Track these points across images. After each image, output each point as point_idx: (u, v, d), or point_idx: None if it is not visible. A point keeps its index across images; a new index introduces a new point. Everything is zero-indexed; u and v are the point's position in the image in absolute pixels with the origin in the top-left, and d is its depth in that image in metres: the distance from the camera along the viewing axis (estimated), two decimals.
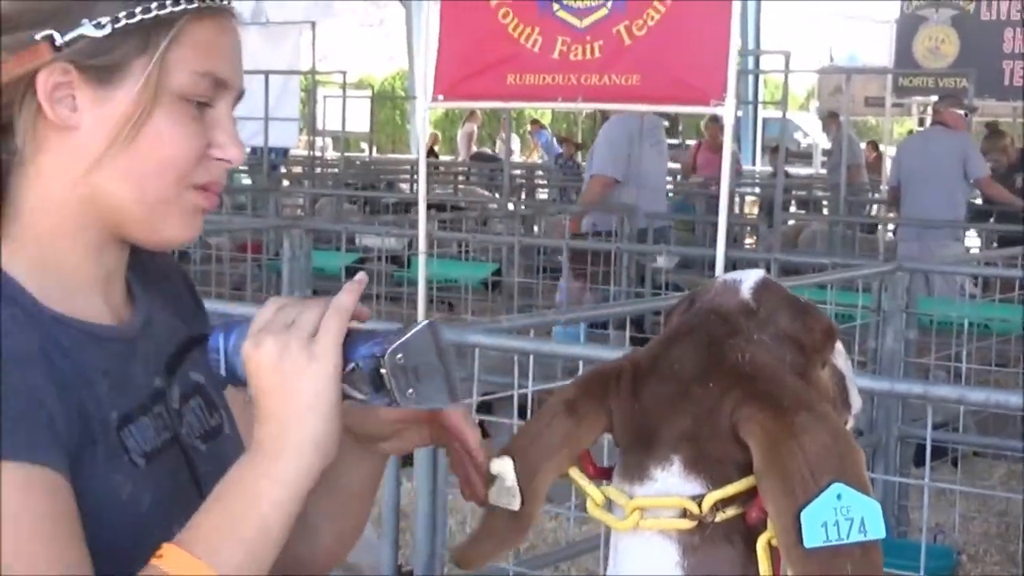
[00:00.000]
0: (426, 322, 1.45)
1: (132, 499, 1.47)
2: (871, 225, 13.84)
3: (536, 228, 13.13)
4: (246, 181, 16.75)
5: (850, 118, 16.43)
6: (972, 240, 13.76)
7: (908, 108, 19.63)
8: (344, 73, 17.49)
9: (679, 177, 18.51)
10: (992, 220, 12.63)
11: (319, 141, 21.34)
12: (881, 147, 20.24)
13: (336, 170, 17.81)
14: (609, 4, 6.62)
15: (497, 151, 25.34)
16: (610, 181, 9.88)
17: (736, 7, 6.54)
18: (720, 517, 1.42)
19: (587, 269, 8.97)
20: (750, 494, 1.41)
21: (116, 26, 1.47)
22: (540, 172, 21.89)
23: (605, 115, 10.61)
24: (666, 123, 23.48)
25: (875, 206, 15.53)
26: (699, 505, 1.41)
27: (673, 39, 6.63)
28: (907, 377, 5.85)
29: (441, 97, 5.87)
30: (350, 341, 1.44)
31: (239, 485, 1.40)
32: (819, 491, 1.33)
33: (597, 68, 6.80)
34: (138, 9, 1.47)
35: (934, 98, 13.07)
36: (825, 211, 15.40)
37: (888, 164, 16.98)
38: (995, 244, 12.26)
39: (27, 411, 1.37)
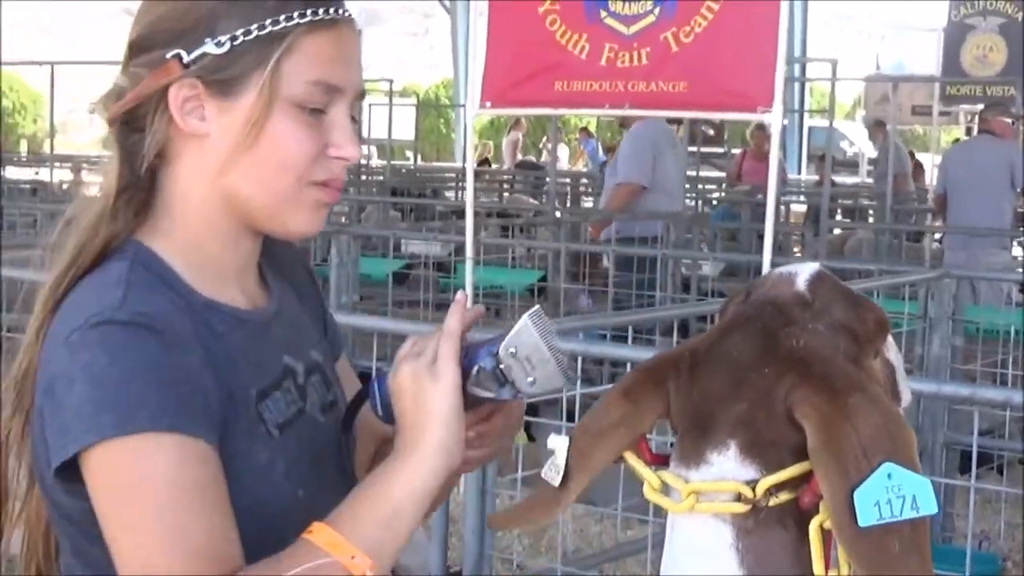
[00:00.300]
0: (528, 314, 1.60)
1: (269, 465, 1.65)
2: (917, 234, 13.80)
3: (581, 235, 13.17)
4: None
5: (897, 127, 16.40)
6: (1019, 249, 13.70)
7: (955, 117, 19.56)
8: (391, 81, 17.57)
9: (724, 185, 18.53)
10: None
11: (365, 149, 21.45)
12: (919, 156, 20.17)
13: (381, 178, 17.91)
14: (656, 11, 6.65)
15: (543, 160, 25.38)
16: (637, 188, 9.92)
17: (784, 14, 6.56)
18: (773, 502, 1.45)
19: (609, 282, 8.98)
20: (803, 479, 1.44)
21: (234, 43, 1.63)
22: (585, 180, 21.94)
23: (623, 123, 10.64)
24: (711, 131, 23.54)
25: (921, 215, 15.47)
26: (753, 490, 1.45)
27: (720, 46, 6.65)
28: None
29: (489, 104, 5.91)
30: (473, 349, 1.63)
31: (379, 479, 1.60)
32: (871, 471, 1.36)
33: (644, 75, 6.82)
34: (253, 27, 1.63)
35: (981, 107, 13.00)
36: (871, 220, 15.36)
37: (930, 173, 16.94)
38: None
39: (188, 390, 1.54)
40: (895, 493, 1.37)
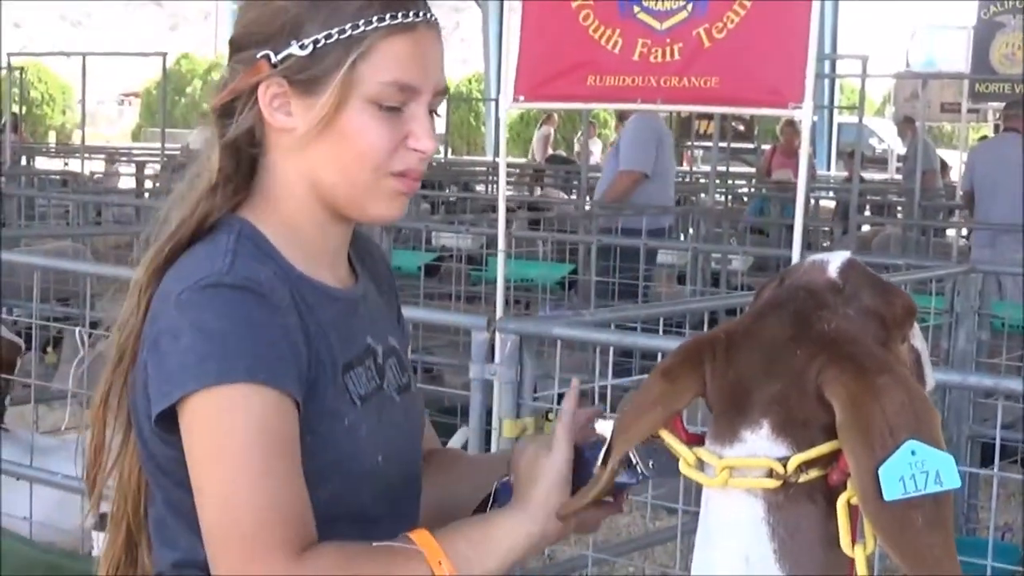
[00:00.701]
0: None
1: (353, 427, 1.79)
2: (944, 230, 13.82)
3: (613, 229, 13.17)
4: None
5: (926, 124, 16.39)
6: None
7: (984, 114, 19.55)
8: None
9: (753, 181, 18.55)
10: None
11: None
12: (948, 153, 20.14)
13: None
14: (689, 7, 6.71)
15: (576, 153, 25.38)
16: (640, 176, 10.01)
17: (815, 11, 6.61)
18: (804, 478, 1.52)
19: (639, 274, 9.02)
20: (833, 456, 1.52)
21: (316, 46, 1.78)
22: None
23: (622, 116, 10.73)
24: (742, 127, 23.54)
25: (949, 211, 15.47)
26: (784, 466, 1.52)
27: (752, 42, 6.69)
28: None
29: (522, 98, 5.95)
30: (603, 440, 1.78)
31: (484, 517, 1.81)
32: (896, 447, 1.44)
33: (677, 70, 6.87)
34: (334, 31, 1.78)
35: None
36: (899, 216, 15.37)
37: (958, 170, 16.92)
38: None
39: (284, 349, 1.69)
40: (919, 469, 1.43)
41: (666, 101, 7.10)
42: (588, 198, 12.23)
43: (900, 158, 20.54)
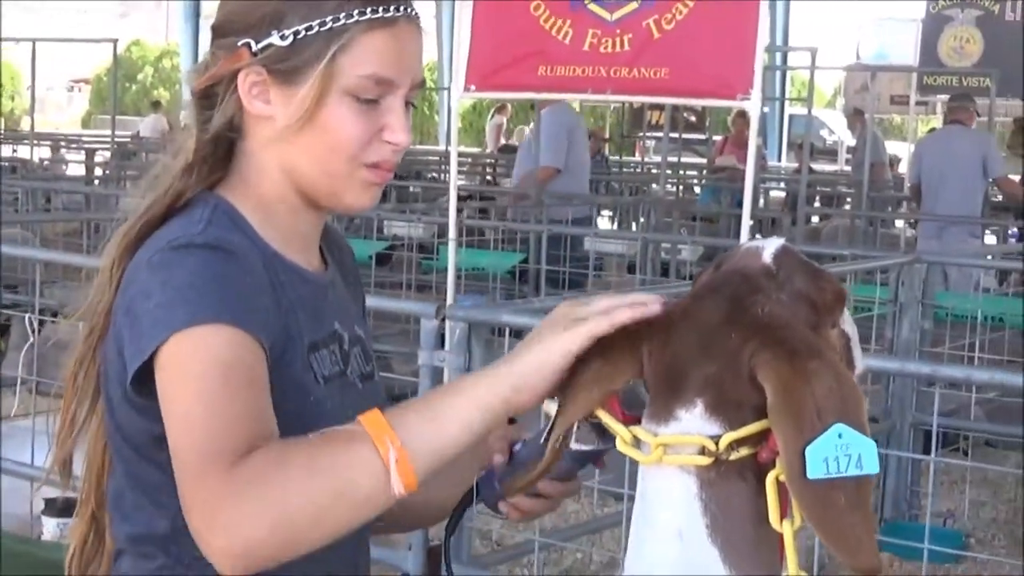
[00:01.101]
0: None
1: (318, 401, 1.81)
2: (893, 221, 13.96)
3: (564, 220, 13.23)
4: None
5: (875, 116, 16.51)
6: (991, 238, 13.86)
7: (932, 106, 19.72)
8: None
9: (704, 172, 18.65)
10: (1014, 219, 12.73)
11: None
12: (898, 144, 20.30)
13: None
14: None
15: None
16: (554, 171, 10.29)
17: (764, 3, 6.67)
18: (735, 456, 1.57)
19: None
20: (762, 436, 1.56)
21: (297, 37, 1.82)
22: None
23: (537, 108, 10.90)
24: (693, 118, 23.60)
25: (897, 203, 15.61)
26: (716, 444, 1.57)
27: (701, 33, 6.74)
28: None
29: (473, 87, 5.98)
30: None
31: (445, 388, 1.72)
32: (823, 430, 1.49)
33: (626, 61, 6.91)
34: (315, 23, 1.81)
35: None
36: (848, 207, 15.50)
37: (905, 163, 17.08)
38: (1013, 241, 12.39)
39: (252, 299, 1.72)
40: (843, 452, 1.47)
41: (616, 91, 7.13)
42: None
43: (850, 150, 20.68)
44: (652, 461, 1.59)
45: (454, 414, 1.63)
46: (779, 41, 22.98)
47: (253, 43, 1.83)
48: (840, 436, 1.48)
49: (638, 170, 21.90)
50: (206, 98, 1.89)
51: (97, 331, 1.86)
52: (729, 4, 6.77)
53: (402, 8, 1.86)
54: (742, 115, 16.27)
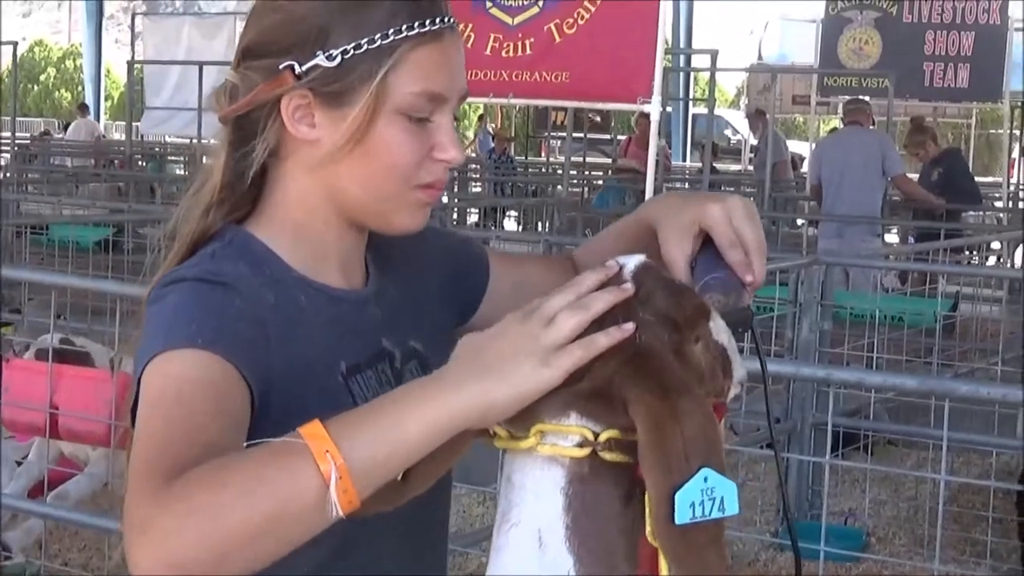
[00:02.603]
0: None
1: None
2: (796, 221, 14.12)
3: (469, 219, 13.25)
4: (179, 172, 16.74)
5: (779, 116, 16.69)
6: (895, 236, 14.06)
7: (834, 107, 19.94)
8: None
9: (609, 172, 18.75)
10: (912, 217, 12.92)
11: None
12: (801, 144, 20.53)
13: None
14: (541, 3, 6.79)
15: None
16: None
17: (665, 8, 6.70)
18: (610, 457, 1.54)
19: None
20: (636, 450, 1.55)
21: (345, 57, 1.69)
22: (474, 166, 22.06)
23: None
24: (598, 118, 23.72)
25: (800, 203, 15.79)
26: (596, 437, 1.53)
27: (602, 38, 6.78)
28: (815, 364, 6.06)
29: None
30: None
31: (398, 395, 1.48)
32: (691, 474, 1.45)
33: (528, 65, 6.92)
34: (364, 41, 1.69)
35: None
36: None
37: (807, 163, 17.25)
38: (911, 239, 12.57)
39: (234, 324, 1.63)
40: (708, 496, 1.46)
41: (518, 95, 7.16)
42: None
43: (753, 149, 20.87)
44: (528, 446, 1.54)
45: (411, 426, 1.45)
46: (683, 42, 23.13)
47: (297, 65, 1.70)
48: (706, 480, 1.47)
49: (543, 171, 21.98)
50: (239, 127, 1.77)
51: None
52: (630, 9, 6.82)
53: (447, 19, 1.75)
54: (646, 116, 16.37)
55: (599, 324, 1.51)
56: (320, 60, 1.69)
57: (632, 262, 1.60)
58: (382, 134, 1.72)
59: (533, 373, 1.47)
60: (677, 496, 1.44)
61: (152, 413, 1.56)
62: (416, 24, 1.70)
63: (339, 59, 1.69)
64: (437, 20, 1.73)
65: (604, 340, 1.50)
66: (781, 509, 6.45)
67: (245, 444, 1.54)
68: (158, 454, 1.50)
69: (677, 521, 1.44)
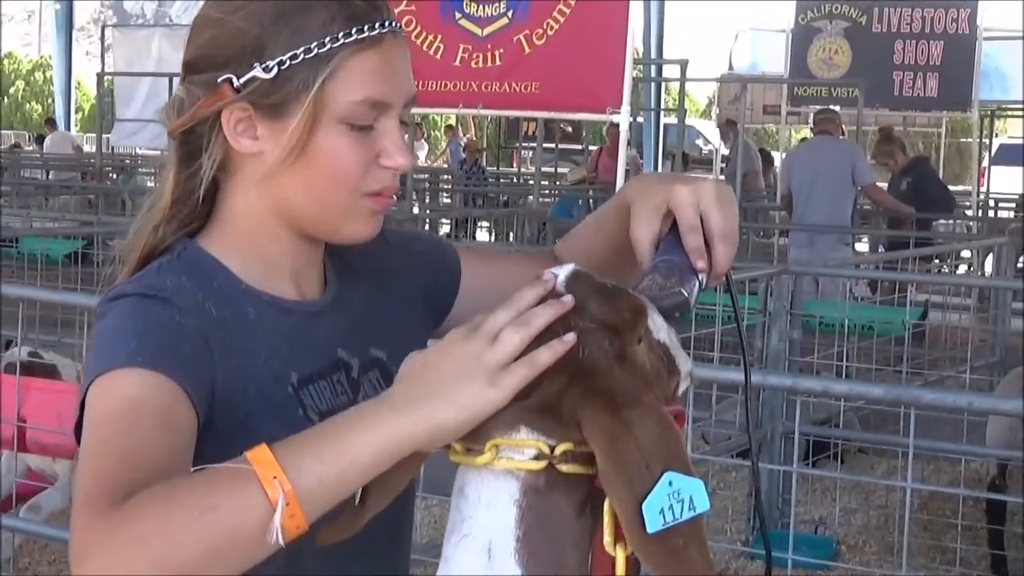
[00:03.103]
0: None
1: None
2: (767, 230, 14.14)
3: (440, 230, 13.25)
4: (150, 184, 16.66)
5: (749, 125, 16.71)
6: (864, 246, 14.11)
7: (805, 116, 20.02)
8: None
9: (585, 182, 18.76)
10: (886, 226, 12.97)
11: None
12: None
13: None
14: (510, 14, 6.80)
15: None
16: None
17: (634, 18, 6.71)
18: (567, 468, 1.52)
19: None
20: (594, 462, 1.53)
21: (282, 68, 1.67)
22: (446, 176, 22.05)
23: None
24: (570, 128, 23.74)
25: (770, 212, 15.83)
26: (552, 450, 1.50)
27: (572, 48, 6.79)
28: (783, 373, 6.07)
29: None
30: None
31: (346, 418, 1.46)
32: (654, 482, 1.43)
33: (498, 76, 6.93)
34: (300, 51, 1.67)
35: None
36: None
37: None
38: (881, 248, 12.62)
39: (174, 340, 1.61)
40: (676, 498, 1.45)
41: (487, 106, 7.16)
42: (414, 199, 12.29)
43: (724, 159, 20.90)
44: (483, 462, 1.53)
45: (358, 452, 1.43)
46: (653, 52, 23.14)
47: (235, 78, 1.69)
48: (671, 483, 1.45)
49: (514, 181, 21.98)
50: (185, 141, 1.75)
51: None
52: (600, 19, 6.83)
53: (387, 23, 1.72)
54: (616, 125, 16.40)
55: (538, 339, 1.49)
56: (257, 72, 1.68)
57: (563, 272, 1.58)
58: (324, 144, 1.70)
59: (480, 394, 1.46)
60: (644, 505, 1.43)
61: (95, 435, 1.54)
62: (354, 31, 1.68)
63: (275, 70, 1.68)
64: (376, 25, 1.70)
65: (547, 355, 1.48)
66: (752, 518, 6.47)
67: (192, 462, 1.53)
68: (100, 478, 1.48)
69: (650, 530, 1.43)
